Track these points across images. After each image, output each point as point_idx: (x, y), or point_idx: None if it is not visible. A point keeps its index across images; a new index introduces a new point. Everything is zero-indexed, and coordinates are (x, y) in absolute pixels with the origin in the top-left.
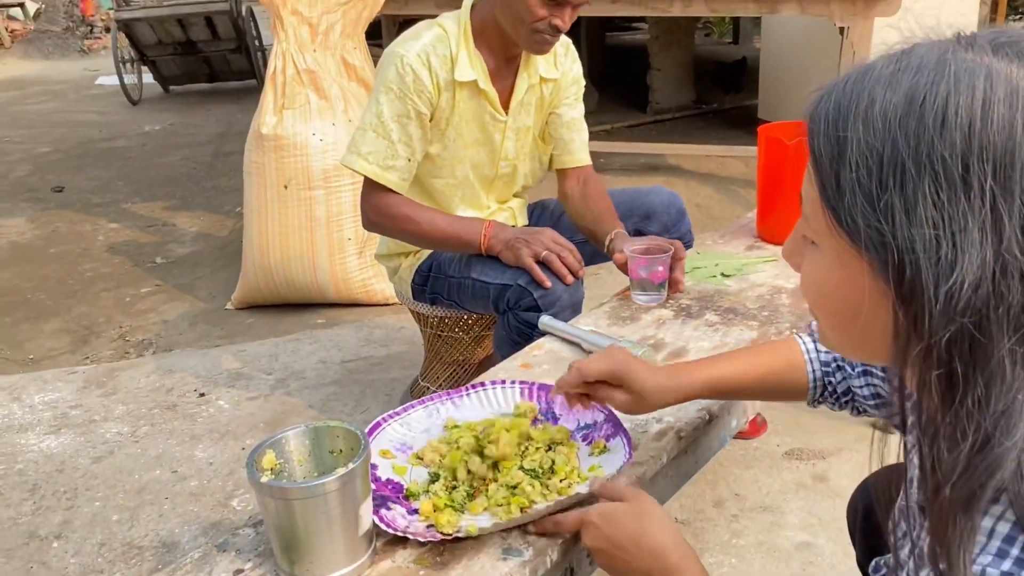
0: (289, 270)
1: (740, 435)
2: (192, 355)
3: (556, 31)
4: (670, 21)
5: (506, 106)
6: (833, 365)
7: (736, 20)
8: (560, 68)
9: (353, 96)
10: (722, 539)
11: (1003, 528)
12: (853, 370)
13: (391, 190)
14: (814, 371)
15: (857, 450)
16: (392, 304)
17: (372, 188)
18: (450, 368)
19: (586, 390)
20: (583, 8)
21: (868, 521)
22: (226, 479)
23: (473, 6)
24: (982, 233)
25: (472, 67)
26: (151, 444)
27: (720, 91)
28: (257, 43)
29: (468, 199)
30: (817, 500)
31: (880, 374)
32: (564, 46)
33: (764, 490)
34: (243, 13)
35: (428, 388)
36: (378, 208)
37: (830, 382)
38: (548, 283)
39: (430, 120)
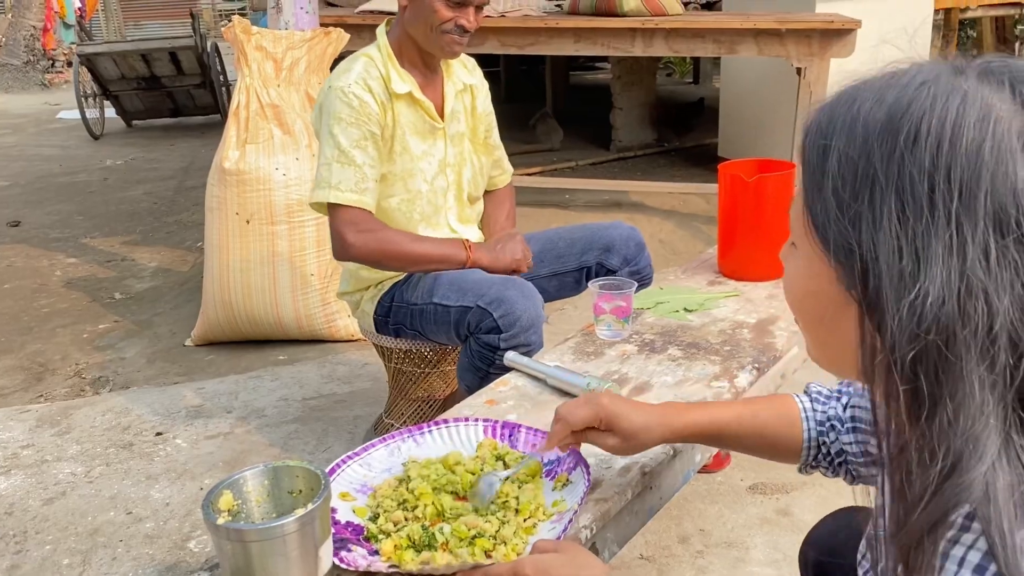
0: (251, 306)
1: (704, 468)
2: (150, 393)
3: (463, 31)
4: (632, 61)
5: (441, 114)
6: (827, 424)
7: (696, 60)
8: (475, 76)
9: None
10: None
11: (974, 557)
12: (843, 426)
13: (364, 212)
14: (809, 430)
15: (820, 484)
16: (356, 340)
17: (347, 213)
18: (415, 404)
19: (574, 440)
20: (546, 46)
21: (818, 571)
22: (183, 520)
23: (386, 31)
24: (946, 252)
25: (404, 81)
26: (105, 485)
27: (672, 132)
28: (222, 78)
29: (427, 217)
30: (781, 535)
31: (868, 428)
32: (471, 61)
33: (728, 525)
34: (208, 49)
35: (393, 425)
36: (359, 230)
37: (824, 442)
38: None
39: (380, 139)
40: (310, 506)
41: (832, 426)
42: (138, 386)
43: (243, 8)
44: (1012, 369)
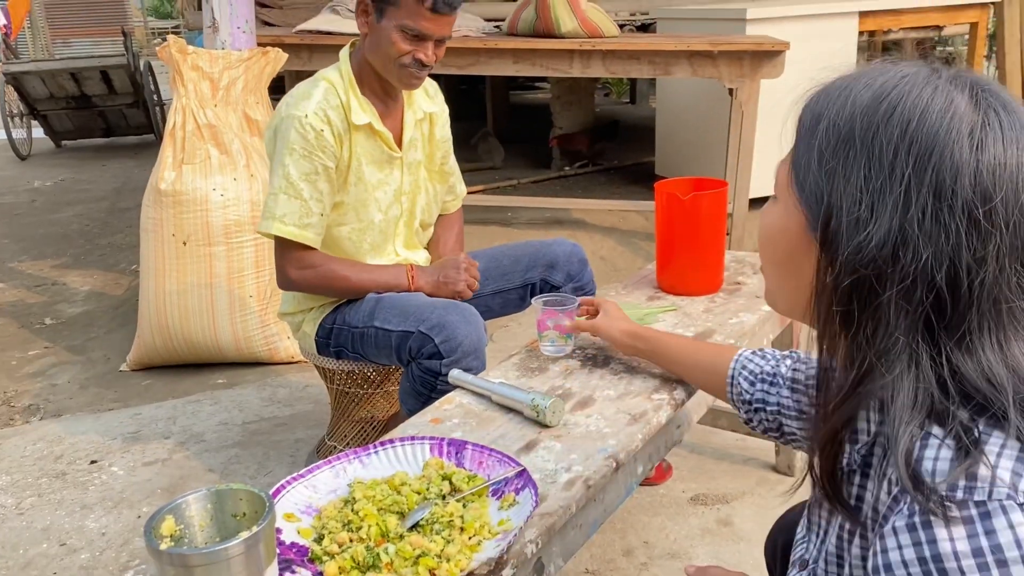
0: (188, 329)
1: (646, 481)
2: (83, 420)
3: (421, 65)
4: (571, 81)
5: (399, 143)
6: (758, 376)
7: (633, 81)
8: (437, 103)
9: (255, 151)
10: None
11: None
12: (783, 384)
13: (309, 247)
14: (732, 370)
15: (759, 494)
16: (296, 362)
17: (290, 248)
18: (358, 426)
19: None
20: (486, 67)
21: (787, 553)
22: (120, 550)
23: (349, 55)
24: (894, 207)
25: (364, 111)
26: (37, 516)
27: (584, 155)
28: (156, 97)
29: (376, 246)
30: (723, 545)
31: (804, 390)
32: (433, 85)
33: (672, 536)
34: (141, 67)
35: (335, 447)
36: (300, 266)
37: (742, 387)
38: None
39: (335, 170)
40: (255, 528)
41: (765, 379)
42: (71, 413)
43: (176, 26)
44: (924, 304)
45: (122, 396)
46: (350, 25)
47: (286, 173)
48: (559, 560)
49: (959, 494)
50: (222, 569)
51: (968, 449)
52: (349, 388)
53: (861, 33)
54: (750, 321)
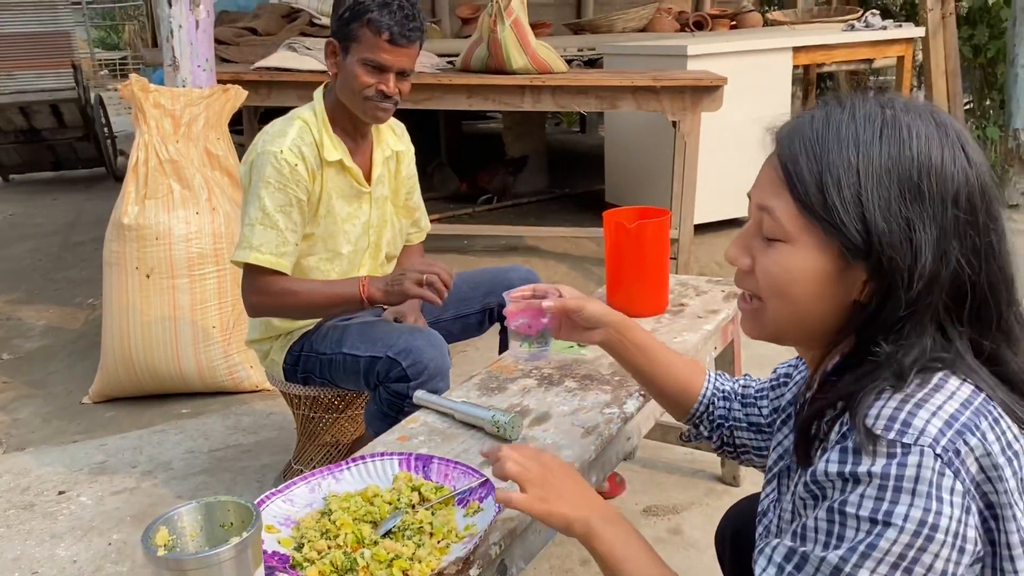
0: (152, 360)
1: (600, 495)
2: (49, 452)
3: (384, 96)
4: (522, 113)
5: (368, 178)
6: (722, 395)
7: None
8: (403, 142)
9: (217, 185)
10: None
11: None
12: (737, 400)
13: (276, 273)
14: (706, 390)
15: (706, 503)
16: (259, 391)
17: (256, 275)
18: (323, 449)
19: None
20: (441, 101)
21: (735, 541)
22: None
23: (323, 95)
24: (932, 228)
25: (335, 148)
26: (7, 546)
27: (489, 190)
28: (106, 131)
29: (343, 275)
30: (674, 552)
31: (755, 403)
32: (400, 126)
33: None
34: (91, 101)
35: (301, 471)
36: (260, 291)
37: (712, 405)
38: (439, 301)
39: (307, 203)
40: (244, 534)
41: (726, 396)
42: (36, 446)
43: (124, 58)
44: (965, 303)
45: (86, 428)
46: (307, 62)
47: (262, 205)
48: (520, 562)
49: (892, 434)
50: (215, 573)
51: (912, 404)
52: (315, 413)
53: (796, 67)
54: (693, 339)
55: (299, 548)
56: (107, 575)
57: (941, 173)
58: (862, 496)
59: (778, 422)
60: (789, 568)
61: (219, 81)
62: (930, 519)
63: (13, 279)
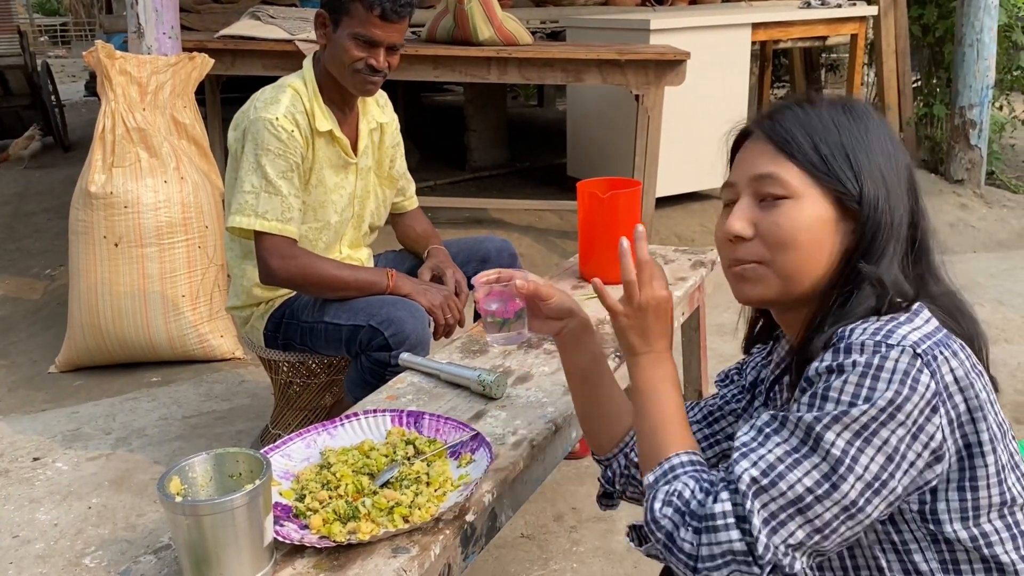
0: (121, 329)
1: (572, 455)
2: (19, 420)
3: (373, 70)
4: (484, 86)
5: (355, 149)
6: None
7: (541, 86)
8: (387, 114)
9: (184, 154)
10: (564, 548)
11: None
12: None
13: (289, 239)
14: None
15: None
16: (230, 359)
17: (270, 242)
18: (302, 414)
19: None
20: (407, 72)
21: None
22: (75, 538)
23: (313, 65)
24: (899, 181)
25: (326, 119)
26: None
27: None
28: (54, 99)
29: (329, 245)
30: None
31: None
32: (383, 98)
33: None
34: (38, 68)
35: (279, 435)
36: (282, 256)
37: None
38: (439, 336)
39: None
40: (257, 482)
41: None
42: (4, 414)
43: (64, 23)
44: (911, 241)
45: (55, 397)
46: (272, 31)
47: (264, 173)
48: (509, 511)
49: (878, 337)
50: (227, 518)
51: (894, 323)
52: (294, 379)
53: (754, 43)
54: None
55: (301, 499)
56: (89, 537)
57: (896, 145)
58: (844, 381)
59: (744, 403)
60: (768, 430)
61: (184, 49)
62: (898, 401)
63: None
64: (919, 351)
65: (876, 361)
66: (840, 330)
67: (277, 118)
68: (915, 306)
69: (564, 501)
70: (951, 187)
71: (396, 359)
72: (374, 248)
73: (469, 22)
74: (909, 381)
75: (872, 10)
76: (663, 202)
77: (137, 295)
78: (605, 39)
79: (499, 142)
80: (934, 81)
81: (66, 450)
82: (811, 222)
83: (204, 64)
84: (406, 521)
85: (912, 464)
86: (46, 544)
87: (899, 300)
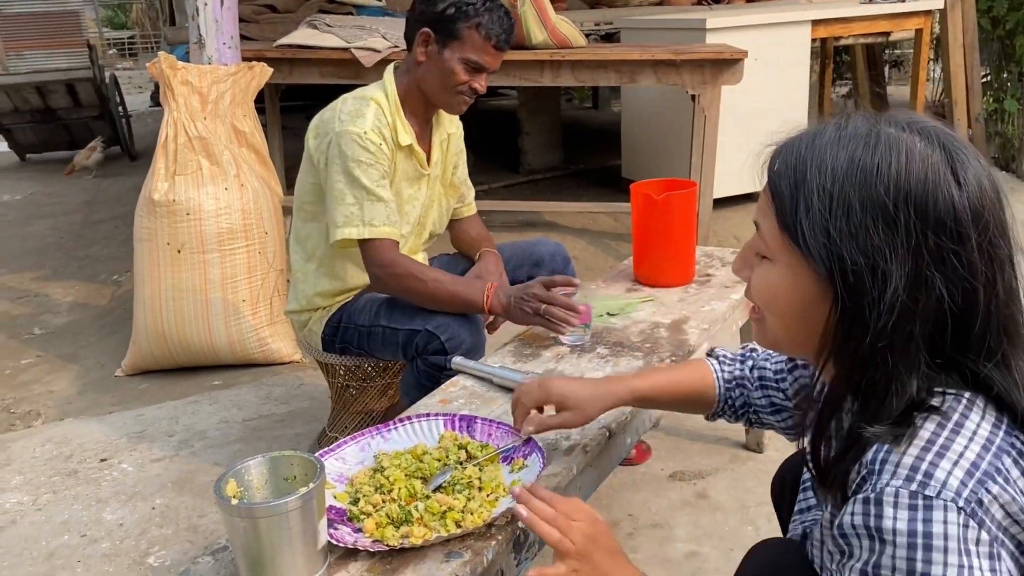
0: (184, 333)
1: (627, 462)
2: (87, 422)
3: (474, 92)
4: (537, 89)
5: (429, 161)
6: (734, 383)
7: (595, 87)
8: (455, 124)
9: (244, 162)
10: None
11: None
12: (752, 385)
13: (393, 242)
14: (719, 388)
15: (731, 469)
16: (289, 362)
17: (376, 247)
18: (358, 417)
19: (536, 422)
20: None
21: (795, 489)
22: (139, 538)
23: (395, 78)
24: (907, 253)
25: (407, 133)
26: (55, 511)
27: None
28: (121, 110)
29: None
30: (701, 515)
31: (775, 386)
32: None
33: (653, 509)
34: (106, 80)
35: (336, 438)
36: (384, 265)
37: (730, 397)
38: (562, 329)
39: None
40: (311, 485)
41: (740, 384)
42: (72, 417)
43: (132, 37)
44: (943, 331)
45: (121, 399)
46: (329, 39)
47: (361, 184)
48: None
49: (914, 486)
50: (282, 521)
51: (932, 453)
52: (351, 382)
53: (814, 40)
54: (720, 308)
55: (354, 502)
56: (153, 537)
57: (922, 200)
58: (893, 558)
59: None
60: None
61: (243, 58)
62: (965, 574)
63: (37, 256)
64: (961, 503)
65: (920, 528)
66: (869, 458)
67: (366, 131)
68: (965, 399)
69: (620, 508)
70: (1023, 185)
71: (451, 363)
72: (428, 252)
73: (522, 26)
74: (963, 547)
75: (938, 3)
76: (721, 203)
77: (199, 300)
78: (660, 39)
79: (553, 145)
80: (1004, 75)
81: (131, 452)
82: (785, 292)
83: (263, 73)
84: (458, 526)
85: None
86: (112, 543)
87: (937, 392)
